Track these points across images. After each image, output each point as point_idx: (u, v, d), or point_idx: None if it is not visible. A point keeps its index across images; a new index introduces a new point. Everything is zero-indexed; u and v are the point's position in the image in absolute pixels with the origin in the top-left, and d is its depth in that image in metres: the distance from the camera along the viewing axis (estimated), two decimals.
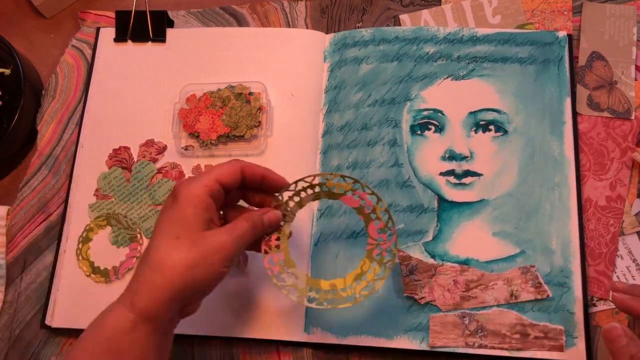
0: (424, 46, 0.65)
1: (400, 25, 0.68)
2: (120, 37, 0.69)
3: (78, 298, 0.61)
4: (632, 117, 0.62)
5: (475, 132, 0.62)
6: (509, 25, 0.67)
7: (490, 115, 0.62)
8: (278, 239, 0.52)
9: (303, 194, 0.52)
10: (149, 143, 0.65)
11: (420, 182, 0.61)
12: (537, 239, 0.59)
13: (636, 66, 0.64)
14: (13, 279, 0.63)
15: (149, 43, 0.69)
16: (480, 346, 0.56)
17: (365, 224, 0.52)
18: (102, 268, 0.61)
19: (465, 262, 0.58)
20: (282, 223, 0.52)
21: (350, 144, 0.63)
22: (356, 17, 0.70)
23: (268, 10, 0.71)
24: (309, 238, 0.61)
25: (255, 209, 0.53)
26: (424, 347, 0.56)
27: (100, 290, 0.61)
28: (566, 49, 0.64)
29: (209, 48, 0.68)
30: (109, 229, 0.63)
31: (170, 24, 0.70)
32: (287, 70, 0.66)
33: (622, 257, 0.59)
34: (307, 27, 0.70)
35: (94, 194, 0.64)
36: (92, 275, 0.61)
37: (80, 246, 0.62)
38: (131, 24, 0.69)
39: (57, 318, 0.60)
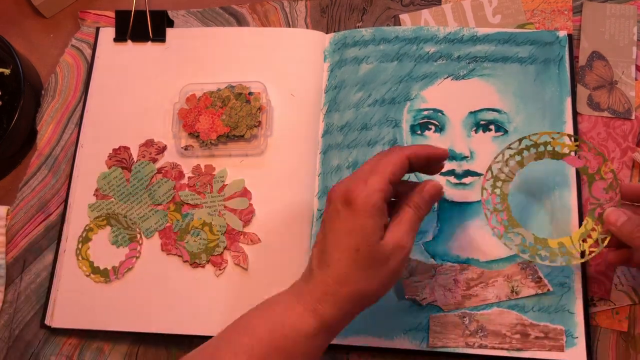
0: (424, 46, 0.65)
1: (400, 25, 0.68)
2: (120, 37, 0.69)
3: (78, 298, 0.61)
4: (633, 117, 0.62)
5: (476, 132, 0.62)
6: (509, 25, 0.66)
7: (490, 115, 0.62)
8: (503, 200, 0.54)
9: (526, 153, 0.54)
10: (149, 143, 0.65)
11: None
12: None
13: (636, 66, 0.64)
14: (13, 279, 0.63)
15: (149, 43, 0.69)
16: (480, 346, 0.56)
17: (589, 184, 0.53)
18: (101, 268, 0.61)
19: (466, 262, 0.58)
20: (500, 183, 0.54)
21: (351, 143, 0.63)
22: (356, 17, 0.70)
23: (268, 10, 0.71)
24: (309, 238, 0.61)
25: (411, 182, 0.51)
26: (424, 347, 0.56)
27: (100, 290, 0.61)
28: (566, 48, 0.64)
29: (209, 48, 0.68)
30: (108, 229, 0.63)
31: (170, 23, 0.70)
32: (287, 70, 0.66)
33: None
34: (307, 27, 0.70)
35: (94, 194, 0.64)
36: (92, 275, 0.61)
37: (79, 246, 0.62)
38: (131, 24, 0.69)
39: (56, 318, 0.60)
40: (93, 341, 0.61)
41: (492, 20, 0.67)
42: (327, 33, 0.68)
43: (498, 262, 0.58)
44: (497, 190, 0.55)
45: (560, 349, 0.55)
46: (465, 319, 0.57)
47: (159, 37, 0.69)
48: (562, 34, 0.64)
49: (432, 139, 0.62)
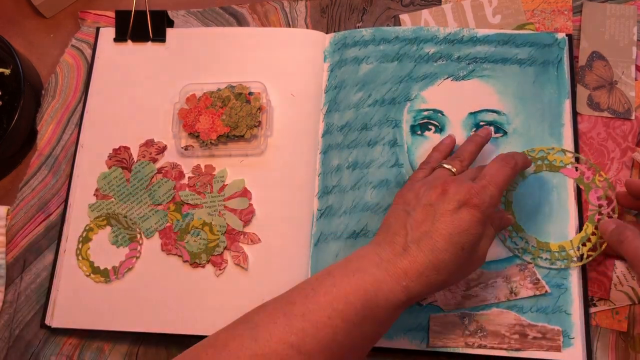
0: (424, 46, 0.65)
1: (400, 25, 0.68)
2: (120, 37, 0.69)
3: (78, 298, 0.61)
4: (632, 117, 0.62)
5: None
6: (509, 25, 0.66)
7: (490, 116, 0.62)
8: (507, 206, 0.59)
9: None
10: (149, 143, 0.65)
11: None
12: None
13: (636, 66, 0.64)
14: (13, 279, 0.63)
15: (149, 43, 0.69)
16: (479, 346, 0.56)
17: (586, 192, 0.59)
18: (102, 268, 0.61)
19: None
20: (505, 192, 0.59)
21: (351, 144, 0.63)
22: (356, 17, 0.70)
23: (268, 10, 0.71)
24: (309, 238, 0.61)
25: None
26: (423, 347, 0.56)
27: (100, 290, 0.61)
28: (565, 50, 0.64)
29: (209, 48, 0.68)
30: (108, 229, 0.63)
31: (170, 23, 0.70)
32: (287, 70, 0.66)
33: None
34: (307, 27, 0.70)
35: (94, 194, 0.64)
36: (92, 275, 0.61)
37: (80, 246, 0.62)
38: (131, 24, 0.69)
39: (56, 318, 0.61)
40: (93, 341, 0.61)
41: (492, 21, 0.67)
42: (327, 33, 0.68)
43: (497, 263, 0.58)
44: (502, 199, 0.59)
45: (557, 349, 0.55)
46: (465, 319, 0.57)
47: (159, 37, 0.69)
48: (561, 36, 0.64)
49: (432, 140, 0.62)
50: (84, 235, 0.63)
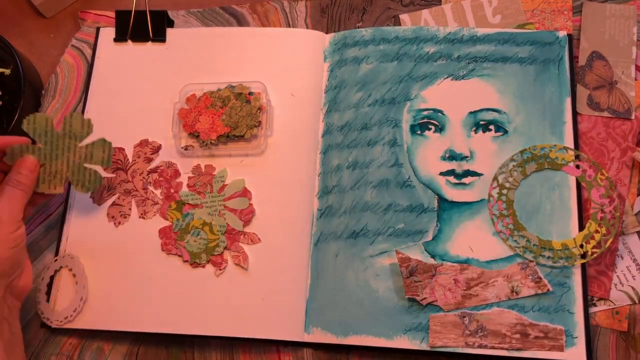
0: (424, 46, 0.65)
1: (400, 25, 0.68)
2: (120, 37, 0.69)
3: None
4: (632, 117, 0.62)
5: (476, 132, 0.62)
6: (509, 25, 0.67)
7: (490, 115, 0.62)
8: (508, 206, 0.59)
9: (527, 165, 0.60)
10: (144, 143, 0.65)
11: (420, 182, 0.61)
12: None
13: (636, 66, 0.64)
14: None
15: (149, 43, 0.69)
16: (480, 346, 0.56)
17: (588, 190, 0.59)
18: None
19: (466, 262, 0.58)
20: (506, 191, 0.59)
21: (350, 143, 0.63)
22: (356, 17, 0.70)
23: (268, 10, 0.71)
24: (309, 238, 0.61)
25: None
26: (424, 347, 0.56)
27: (100, 290, 0.61)
28: (566, 48, 0.64)
29: (209, 48, 0.68)
30: None
31: (170, 23, 0.70)
32: (287, 70, 0.66)
33: (622, 257, 0.59)
34: (307, 27, 0.70)
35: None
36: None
37: None
38: (131, 24, 0.69)
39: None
40: (93, 341, 0.61)
41: (492, 20, 0.67)
42: (327, 33, 0.68)
43: (498, 262, 0.58)
44: (504, 197, 0.59)
45: (560, 348, 0.55)
46: (465, 318, 0.57)
47: (159, 37, 0.69)
48: (562, 34, 0.64)
49: (432, 139, 0.62)
50: None
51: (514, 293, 0.57)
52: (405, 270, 0.58)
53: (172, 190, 0.63)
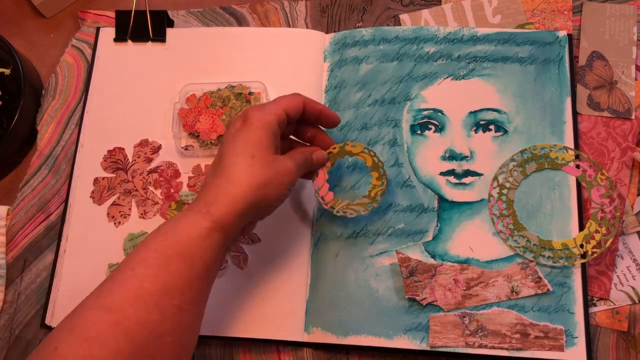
0: (424, 46, 0.65)
1: (400, 25, 0.68)
2: (120, 37, 0.69)
3: (78, 298, 0.61)
4: (633, 117, 0.62)
5: (476, 132, 0.62)
6: (509, 24, 0.66)
7: (490, 115, 0.62)
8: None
9: (527, 165, 0.60)
10: (143, 143, 0.65)
11: (421, 182, 0.61)
12: None
13: (636, 66, 0.64)
14: (13, 279, 0.63)
15: (149, 43, 0.69)
16: (480, 346, 0.56)
17: (588, 190, 0.59)
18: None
19: (466, 262, 0.58)
20: (506, 191, 0.59)
21: None
22: (356, 16, 0.70)
23: (268, 10, 0.71)
24: (309, 238, 0.61)
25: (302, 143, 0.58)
26: (424, 347, 0.56)
27: None
28: (566, 48, 0.64)
29: (209, 48, 0.68)
30: None
31: (170, 23, 0.70)
32: (287, 70, 0.66)
33: (622, 257, 0.59)
34: (307, 27, 0.70)
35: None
36: None
37: None
38: (131, 24, 0.69)
39: (57, 318, 0.60)
40: None
41: (492, 20, 0.67)
42: (327, 33, 0.68)
43: (498, 262, 0.58)
44: (504, 197, 0.59)
45: (560, 348, 0.55)
46: (465, 318, 0.57)
47: (159, 37, 0.69)
48: (562, 34, 0.64)
49: (432, 139, 0.62)
50: None
51: (514, 293, 0.57)
52: (405, 270, 0.58)
53: (172, 190, 0.63)
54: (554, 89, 0.63)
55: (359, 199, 0.59)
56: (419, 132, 0.63)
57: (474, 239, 0.59)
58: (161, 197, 0.64)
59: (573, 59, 0.64)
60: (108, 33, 0.70)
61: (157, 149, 0.65)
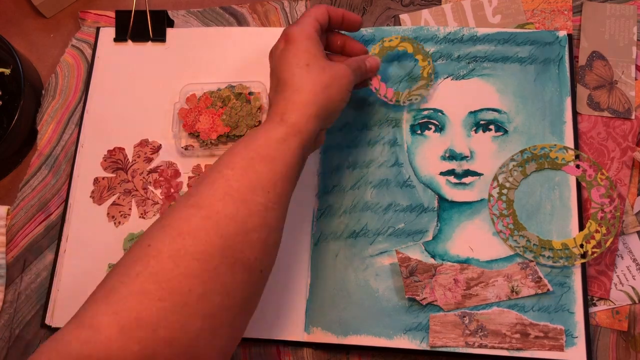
0: (424, 46, 0.65)
1: (400, 25, 0.68)
2: (120, 37, 0.69)
3: (78, 298, 0.61)
4: (633, 117, 0.62)
5: (476, 132, 0.62)
6: (509, 24, 0.67)
7: (490, 115, 0.62)
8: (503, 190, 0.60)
9: (527, 165, 0.60)
10: (143, 143, 0.65)
11: (421, 182, 0.61)
12: None
13: (636, 66, 0.64)
14: (13, 278, 0.63)
15: (149, 43, 0.69)
16: (480, 346, 0.56)
17: (588, 190, 0.59)
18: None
19: (466, 262, 0.58)
20: (506, 190, 0.60)
21: (351, 143, 0.63)
22: None
23: (268, 10, 0.71)
24: (309, 238, 0.61)
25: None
26: (424, 347, 0.56)
27: None
28: (566, 48, 0.64)
29: (209, 48, 0.68)
30: None
31: (170, 23, 0.70)
32: None
33: (622, 257, 0.59)
34: None
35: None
36: None
37: None
38: (131, 24, 0.69)
39: (57, 318, 0.60)
40: None
41: (492, 20, 0.67)
42: None
43: (498, 261, 0.58)
44: (504, 197, 0.59)
45: (560, 348, 0.55)
46: (465, 318, 0.57)
47: (159, 37, 0.69)
48: (562, 34, 0.64)
49: (432, 139, 0.62)
50: None
51: (514, 293, 0.57)
52: (405, 270, 0.58)
53: (172, 190, 0.63)
54: (554, 89, 0.63)
55: (415, 84, 0.62)
56: (419, 132, 0.63)
57: (474, 239, 0.59)
58: (161, 197, 0.64)
59: (573, 59, 0.64)
60: (108, 33, 0.70)
61: (157, 149, 0.65)
